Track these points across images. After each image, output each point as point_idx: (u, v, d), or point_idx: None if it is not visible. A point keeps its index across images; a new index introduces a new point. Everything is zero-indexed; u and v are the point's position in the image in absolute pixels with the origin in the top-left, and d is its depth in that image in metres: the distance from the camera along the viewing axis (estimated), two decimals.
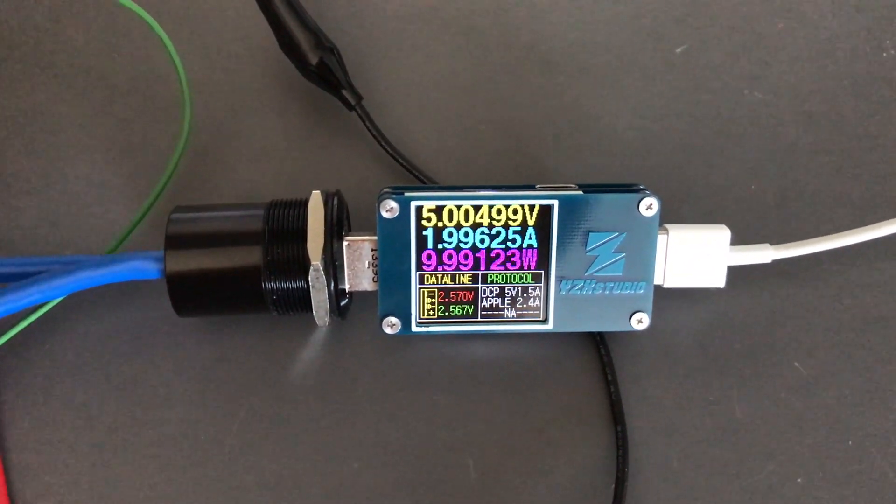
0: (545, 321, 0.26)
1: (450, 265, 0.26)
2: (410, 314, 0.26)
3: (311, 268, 0.25)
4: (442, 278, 0.26)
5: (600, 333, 0.27)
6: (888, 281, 0.28)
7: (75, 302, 0.28)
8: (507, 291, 0.26)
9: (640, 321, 0.26)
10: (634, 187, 0.26)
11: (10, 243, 0.29)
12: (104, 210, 0.29)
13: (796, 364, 0.27)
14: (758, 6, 0.31)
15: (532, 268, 0.26)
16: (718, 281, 0.27)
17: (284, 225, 0.25)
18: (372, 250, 0.26)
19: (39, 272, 0.25)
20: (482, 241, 0.25)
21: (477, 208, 0.25)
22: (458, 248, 0.25)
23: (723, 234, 0.26)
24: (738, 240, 0.27)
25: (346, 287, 0.26)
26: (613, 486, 0.26)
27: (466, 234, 0.25)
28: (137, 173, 0.29)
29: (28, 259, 0.26)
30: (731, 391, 0.27)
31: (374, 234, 0.25)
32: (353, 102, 0.29)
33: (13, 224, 0.29)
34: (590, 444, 0.27)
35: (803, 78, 0.30)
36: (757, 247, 0.27)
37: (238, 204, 0.26)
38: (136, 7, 0.28)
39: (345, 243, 0.26)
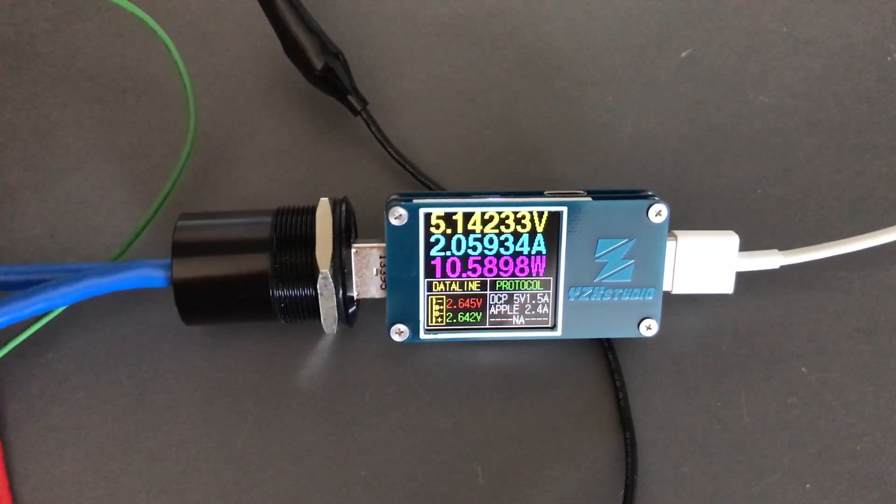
0: (554, 328, 0.26)
1: (458, 272, 0.25)
2: (419, 321, 0.26)
3: (320, 276, 0.24)
4: (450, 285, 0.26)
5: (608, 340, 0.27)
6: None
7: (78, 311, 0.28)
8: (515, 298, 0.26)
9: (649, 328, 0.26)
10: (643, 193, 0.26)
11: (11, 251, 0.28)
12: (106, 218, 0.29)
13: (804, 369, 0.27)
14: (762, 10, 0.31)
15: (541, 274, 0.26)
16: (727, 287, 0.27)
17: (293, 232, 0.25)
18: (380, 257, 0.26)
19: (44, 280, 0.25)
20: (491, 248, 0.25)
21: (486, 215, 0.25)
22: (466, 255, 0.25)
23: (731, 240, 0.26)
24: (745, 245, 0.27)
25: (354, 294, 0.26)
26: (622, 492, 0.26)
27: (475, 241, 0.25)
28: (140, 181, 0.29)
29: (33, 267, 0.26)
30: (740, 397, 0.27)
31: (382, 241, 0.25)
32: (358, 108, 0.29)
33: (15, 232, 0.29)
34: (598, 451, 0.26)
35: (808, 81, 0.30)
36: (765, 252, 0.27)
37: (245, 211, 0.26)
38: (139, 12, 0.28)
39: (353, 250, 0.25)
